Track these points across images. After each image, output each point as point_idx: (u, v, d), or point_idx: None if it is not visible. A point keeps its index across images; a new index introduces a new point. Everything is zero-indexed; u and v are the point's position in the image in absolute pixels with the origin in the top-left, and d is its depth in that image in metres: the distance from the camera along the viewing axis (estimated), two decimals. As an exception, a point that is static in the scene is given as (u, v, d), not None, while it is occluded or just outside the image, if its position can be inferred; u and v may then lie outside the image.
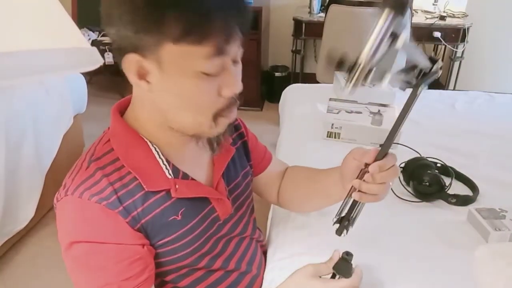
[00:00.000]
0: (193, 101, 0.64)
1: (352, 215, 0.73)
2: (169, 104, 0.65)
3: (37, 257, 1.89)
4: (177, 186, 0.71)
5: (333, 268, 0.72)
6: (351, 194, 0.72)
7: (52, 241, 1.96)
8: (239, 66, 0.68)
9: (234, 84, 0.65)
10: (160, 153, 0.71)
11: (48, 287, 1.74)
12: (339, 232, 0.73)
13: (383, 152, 0.69)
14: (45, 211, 2.09)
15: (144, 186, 0.68)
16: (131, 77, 0.63)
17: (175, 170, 0.72)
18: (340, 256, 0.74)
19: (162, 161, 0.71)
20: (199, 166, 0.78)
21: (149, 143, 0.70)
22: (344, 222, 0.73)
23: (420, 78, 0.61)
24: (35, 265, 1.84)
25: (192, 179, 0.74)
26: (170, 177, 0.71)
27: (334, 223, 0.73)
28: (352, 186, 0.72)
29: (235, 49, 0.63)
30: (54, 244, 2.01)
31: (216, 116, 0.67)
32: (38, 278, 1.78)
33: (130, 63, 0.61)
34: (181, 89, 0.63)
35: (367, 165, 0.70)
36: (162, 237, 0.70)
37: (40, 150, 1.90)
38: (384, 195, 0.72)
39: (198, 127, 0.68)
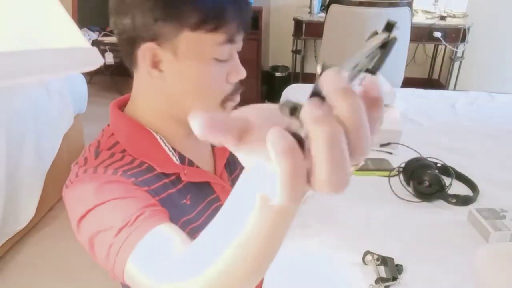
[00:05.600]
0: (205, 86, 0.67)
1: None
2: (181, 91, 0.68)
3: (37, 257, 1.89)
4: (185, 171, 0.73)
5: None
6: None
7: (52, 241, 1.97)
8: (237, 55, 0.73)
9: (240, 70, 0.70)
10: (165, 142, 0.73)
11: (48, 287, 1.75)
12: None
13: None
14: (45, 211, 2.09)
15: (157, 168, 0.69)
16: (145, 66, 0.65)
17: (181, 157, 0.74)
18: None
19: (168, 149, 0.73)
20: (201, 157, 0.80)
21: (153, 133, 0.72)
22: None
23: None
24: (35, 265, 1.84)
25: (197, 166, 0.76)
26: (177, 162, 0.73)
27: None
28: None
29: (240, 40, 0.68)
30: (54, 244, 2.01)
31: (223, 102, 0.70)
32: (38, 278, 1.78)
33: (146, 52, 0.64)
34: (195, 75, 0.66)
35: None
36: (176, 218, 0.70)
37: (40, 150, 1.90)
38: None
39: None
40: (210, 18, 0.62)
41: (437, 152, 1.28)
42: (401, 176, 1.18)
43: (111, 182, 0.64)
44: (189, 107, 0.69)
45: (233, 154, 0.93)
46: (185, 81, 0.67)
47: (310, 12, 3.20)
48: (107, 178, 0.64)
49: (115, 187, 0.64)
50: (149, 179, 0.67)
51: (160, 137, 0.72)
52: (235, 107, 0.73)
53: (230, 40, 0.65)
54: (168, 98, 0.69)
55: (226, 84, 0.70)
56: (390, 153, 1.35)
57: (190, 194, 0.74)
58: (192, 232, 0.73)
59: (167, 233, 0.58)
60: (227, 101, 0.71)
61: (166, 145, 0.73)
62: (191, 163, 0.75)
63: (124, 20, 0.63)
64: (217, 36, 0.64)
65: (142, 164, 0.69)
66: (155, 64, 0.65)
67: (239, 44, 0.69)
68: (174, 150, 0.73)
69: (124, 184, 0.64)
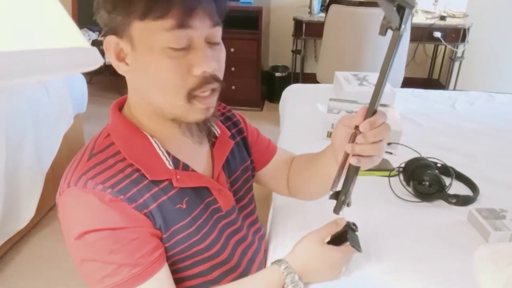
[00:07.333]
0: (162, 78, 0.64)
1: (348, 188, 0.68)
2: (144, 84, 0.67)
3: (37, 257, 1.89)
4: (178, 177, 0.72)
5: (349, 239, 0.77)
6: (343, 166, 0.68)
7: (52, 241, 1.97)
8: (219, 48, 0.68)
9: (204, 62, 0.64)
10: (159, 145, 0.72)
11: (48, 287, 1.75)
12: (336, 210, 0.69)
13: (371, 110, 0.64)
14: (45, 211, 2.09)
15: (147, 176, 0.69)
16: (112, 59, 0.66)
17: (175, 161, 0.73)
18: (348, 225, 0.78)
19: (162, 153, 0.72)
20: (198, 159, 0.79)
21: (148, 136, 0.72)
22: (341, 197, 0.69)
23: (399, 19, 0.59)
24: (35, 265, 1.84)
25: (193, 170, 0.75)
26: (170, 167, 0.72)
27: (330, 197, 0.70)
28: (343, 157, 0.68)
29: (204, 27, 0.63)
30: (54, 244, 2.02)
31: (189, 97, 0.66)
32: (38, 278, 1.78)
33: (109, 45, 0.65)
34: (151, 67, 0.64)
35: (357, 127, 0.66)
36: (170, 226, 0.70)
37: (40, 150, 1.90)
38: (379, 158, 0.68)
39: (172, 109, 0.67)
40: (156, 5, 0.60)
41: (437, 152, 1.28)
42: (401, 176, 1.18)
43: (107, 204, 0.65)
44: (156, 102, 0.67)
45: (234, 154, 0.94)
46: (144, 74, 0.65)
47: (310, 12, 3.20)
48: (100, 198, 0.65)
49: (112, 213, 0.65)
50: (137, 193, 0.67)
51: (155, 141, 0.72)
52: (209, 108, 0.69)
53: (181, 25, 0.61)
54: (140, 93, 0.69)
55: (189, 77, 0.65)
56: (390, 153, 1.35)
57: (187, 197, 0.73)
58: (187, 237, 0.73)
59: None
60: (193, 99, 0.66)
61: (160, 149, 0.72)
62: (185, 167, 0.74)
63: (97, 18, 0.66)
64: (165, 22, 0.60)
65: (132, 173, 0.68)
66: (122, 58, 0.66)
67: (203, 31, 0.64)
68: (169, 154, 0.72)
69: (120, 212, 0.65)
